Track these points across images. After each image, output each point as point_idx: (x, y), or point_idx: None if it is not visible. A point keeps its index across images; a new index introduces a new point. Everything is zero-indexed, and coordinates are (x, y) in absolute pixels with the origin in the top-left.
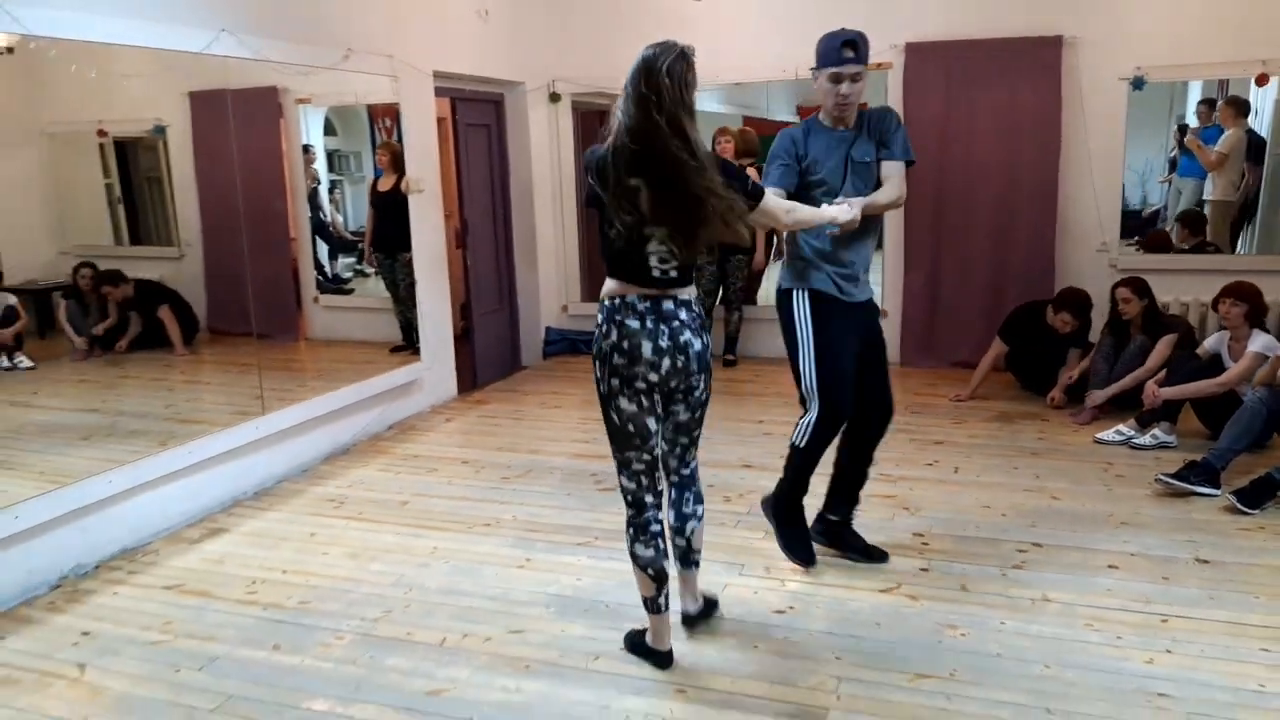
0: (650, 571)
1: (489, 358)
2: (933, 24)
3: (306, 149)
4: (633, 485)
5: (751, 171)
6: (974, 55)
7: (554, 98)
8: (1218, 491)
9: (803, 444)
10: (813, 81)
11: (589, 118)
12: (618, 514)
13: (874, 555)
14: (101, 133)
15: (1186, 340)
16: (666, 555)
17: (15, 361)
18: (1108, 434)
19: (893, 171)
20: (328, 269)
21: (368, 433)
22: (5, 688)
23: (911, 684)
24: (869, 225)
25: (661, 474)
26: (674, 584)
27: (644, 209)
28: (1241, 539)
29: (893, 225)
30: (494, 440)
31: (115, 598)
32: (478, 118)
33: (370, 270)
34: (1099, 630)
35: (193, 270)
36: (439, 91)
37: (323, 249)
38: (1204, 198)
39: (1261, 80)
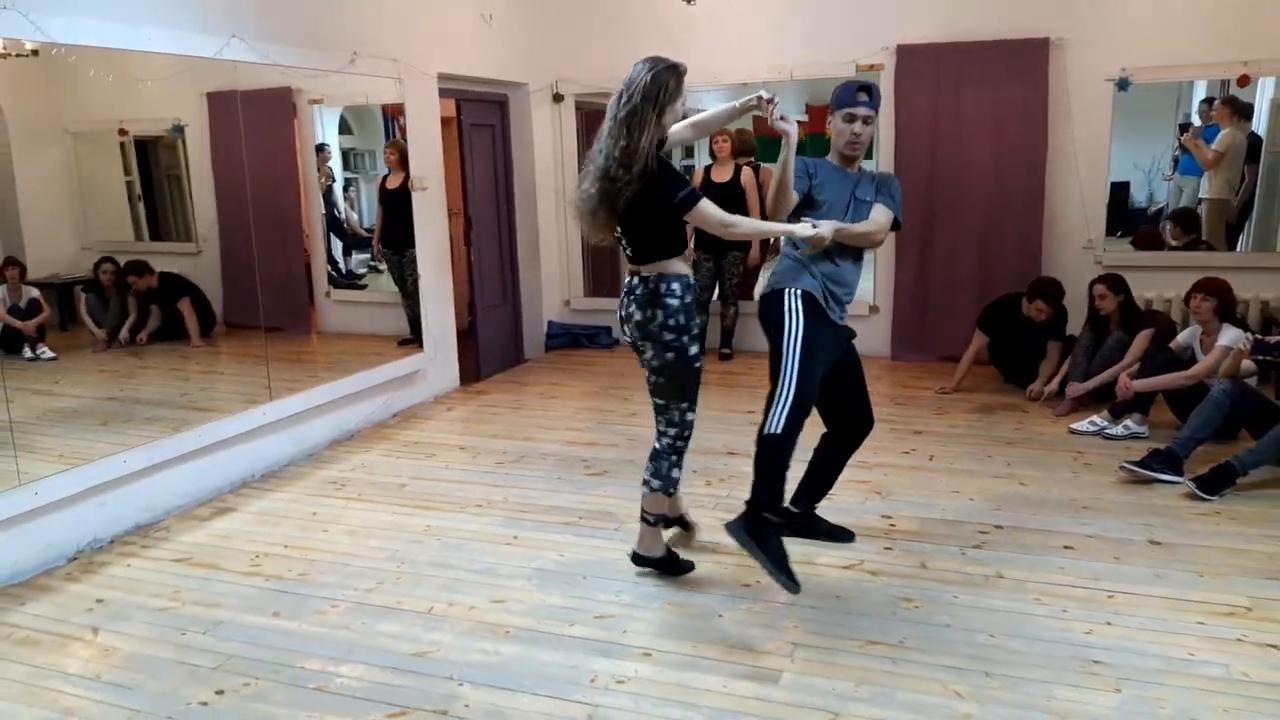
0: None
1: (492, 350)
2: (923, 26)
3: (321, 148)
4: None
5: (749, 170)
6: (963, 57)
7: (557, 98)
8: (1180, 479)
9: (779, 429)
10: (827, 124)
11: (592, 117)
12: (604, 497)
13: (838, 535)
14: (122, 132)
15: (1165, 335)
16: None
17: (38, 353)
18: (1082, 424)
19: (879, 214)
20: (342, 265)
21: (372, 420)
22: (25, 648)
23: (862, 650)
24: (854, 255)
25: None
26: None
27: None
28: (1196, 523)
29: None
30: (492, 428)
31: (128, 569)
32: (483, 118)
33: (381, 266)
34: (1046, 604)
35: (210, 265)
36: (445, 93)
37: (337, 245)
38: (1200, 196)
39: (1243, 81)
